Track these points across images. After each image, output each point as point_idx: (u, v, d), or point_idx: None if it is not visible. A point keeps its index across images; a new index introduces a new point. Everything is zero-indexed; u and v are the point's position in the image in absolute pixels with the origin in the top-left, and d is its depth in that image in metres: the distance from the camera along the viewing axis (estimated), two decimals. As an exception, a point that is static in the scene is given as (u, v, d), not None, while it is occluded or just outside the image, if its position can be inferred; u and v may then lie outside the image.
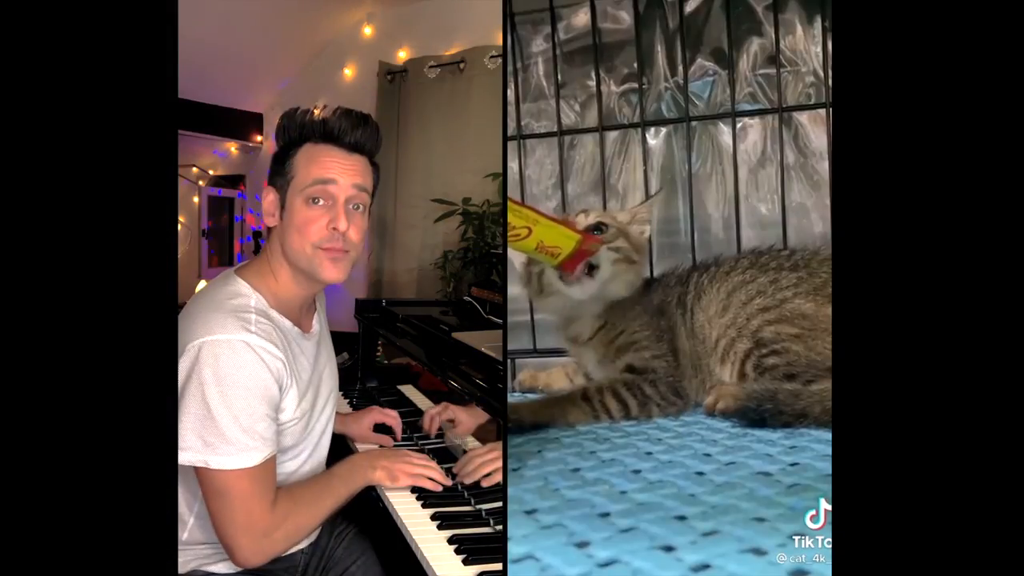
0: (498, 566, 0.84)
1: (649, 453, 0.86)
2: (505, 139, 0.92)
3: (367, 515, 1.09)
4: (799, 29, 1.11)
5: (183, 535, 0.95)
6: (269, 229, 0.98)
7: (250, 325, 0.88)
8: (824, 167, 1.13)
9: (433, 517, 0.97)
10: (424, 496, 1.02)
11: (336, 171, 0.93)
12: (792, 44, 1.13)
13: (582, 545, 0.61)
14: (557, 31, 1.21)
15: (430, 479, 1.03)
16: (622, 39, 1.19)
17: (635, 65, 1.19)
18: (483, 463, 1.06)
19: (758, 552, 0.57)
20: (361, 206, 0.96)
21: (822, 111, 1.13)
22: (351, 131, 0.95)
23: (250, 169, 3.62)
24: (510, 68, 1.29)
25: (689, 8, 1.15)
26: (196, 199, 3.59)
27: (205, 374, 0.84)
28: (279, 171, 0.96)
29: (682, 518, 0.65)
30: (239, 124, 3.35)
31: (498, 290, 1.56)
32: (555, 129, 1.26)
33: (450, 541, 0.91)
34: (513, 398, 1.26)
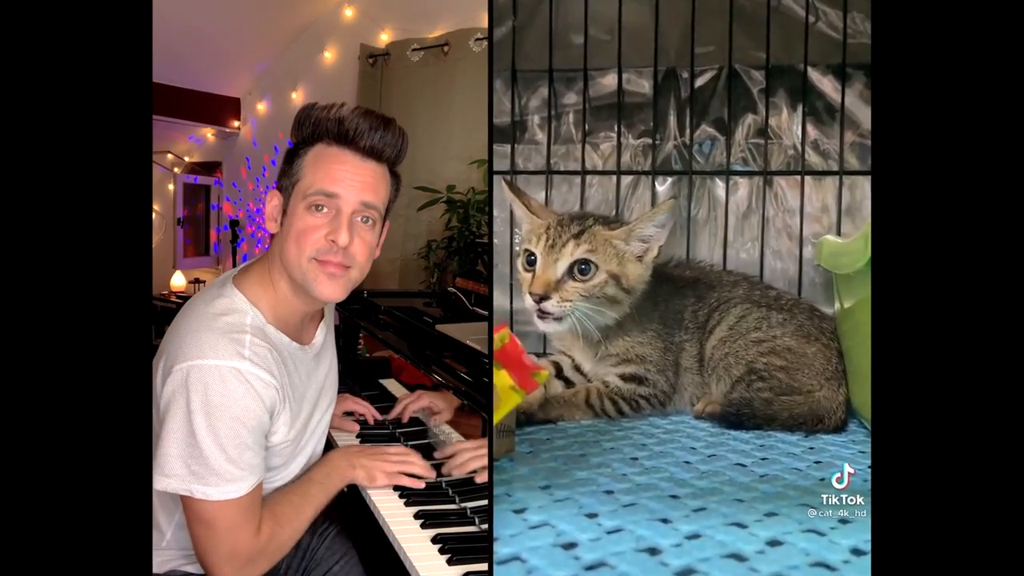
0: (483, 566, 0.82)
1: (644, 445, 1.00)
2: (491, 131, 0.90)
3: (350, 513, 1.06)
4: (784, 111, 1.44)
5: (161, 542, 0.93)
6: (272, 236, 0.92)
7: (243, 348, 0.83)
8: (796, 222, 1.43)
9: (417, 516, 0.95)
10: (407, 493, 1.00)
11: (343, 183, 0.86)
12: (778, 122, 1.45)
13: (591, 516, 0.73)
14: (588, 89, 1.49)
15: (411, 476, 1.01)
16: (641, 102, 1.49)
17: (651, 124, 1.49)
18: (472, 458, 1.04)
19: (740, 525, 0.72)
20: (370, 220, 0.89)
21: (797, 177, 1.43)
22: (368, 134, 0.86)
23: (227, 155, 3.54)
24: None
25: (698, 84, 1.47)
26: (171, 186, 3.52)
27: (193, 401, 0.80)
28: (287, 171, 0.89)
29: (675, 496, 0.79)
30: (216, 109, 3.29)
31: (484, 281, 1.53)
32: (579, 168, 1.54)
33: (434, 540, 0.89)
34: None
